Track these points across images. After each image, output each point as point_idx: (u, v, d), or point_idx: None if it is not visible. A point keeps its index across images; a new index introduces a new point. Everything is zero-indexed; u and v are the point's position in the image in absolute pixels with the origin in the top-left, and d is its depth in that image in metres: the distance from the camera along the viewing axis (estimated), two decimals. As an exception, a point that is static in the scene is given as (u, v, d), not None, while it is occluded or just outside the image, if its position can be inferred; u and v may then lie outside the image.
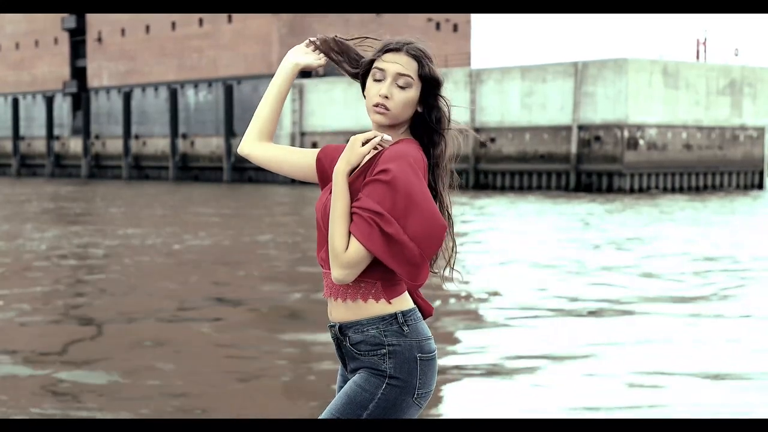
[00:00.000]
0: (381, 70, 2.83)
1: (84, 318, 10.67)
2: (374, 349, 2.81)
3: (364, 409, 2.79)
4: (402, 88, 2.81)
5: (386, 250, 2.70)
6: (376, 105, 2.82)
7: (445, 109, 2.87)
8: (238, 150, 3.10)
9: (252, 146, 3.06)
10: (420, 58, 2.82)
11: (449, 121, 2.88)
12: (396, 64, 2.81)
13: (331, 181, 2.99)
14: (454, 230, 2.95)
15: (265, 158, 3.05)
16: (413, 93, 2.82)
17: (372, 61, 2.88)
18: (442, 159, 2.87)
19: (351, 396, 2.81)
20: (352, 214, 2.75)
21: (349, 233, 2.73)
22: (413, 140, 2.87)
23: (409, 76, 2.80)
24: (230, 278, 13.99)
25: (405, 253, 2.71)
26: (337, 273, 2.74)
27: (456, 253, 2.95)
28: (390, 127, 2.86)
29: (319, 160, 3.01)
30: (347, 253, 2.72)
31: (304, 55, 3.05)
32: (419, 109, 2.85)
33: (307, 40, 3.03)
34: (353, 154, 2.78)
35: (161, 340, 9.24)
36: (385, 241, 2.70)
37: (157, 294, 12.39)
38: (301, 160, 3.04)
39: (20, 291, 12.44)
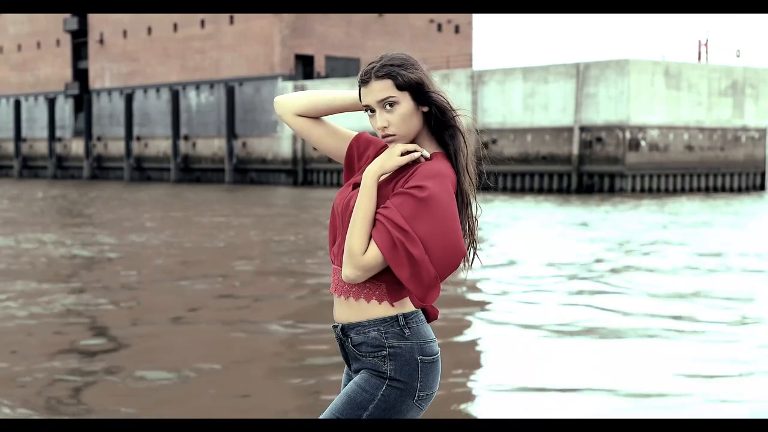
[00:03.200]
0: (367, 106, 2.85)
1: (90, 317, 10.68)
2: (375, 351, 2.83)
3: (364, 410, 2.81)
4: (391, 108, 2.81)
5: (404, 266, 2.72)
6: (384, 137, 2.85)
7: (442, 100, 2.85)
8: (275, 104, 3.07)
9: (290, 114, 3.05)
10: (389, 73, 2.80)
11: (453, 109, 2.86)
12: (372, 94, 2.82)
13: (354, 170, 3.01)
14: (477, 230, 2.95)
15: (301, 130, 3.07)
16: (405, 105, 2.82)
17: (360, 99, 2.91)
18: (462, 153, 2.86)
19: (351, 396, 2.83)
20: (375, 219, 2.76)
21: (370, 237, 2.75)
22: (444, 155, 2.87)
23: (388, 96, 2.80)
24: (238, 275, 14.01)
25: (422, 274, 2.72)
26: (350, 272, 2.75)
27: (476, 248, 2.95)
28: (412, 141, 2.88)
29: (350, 147, 3.04)
30: (365, 256, 2.74)
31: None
32: (424, 110, 2.85)
33: None
34: (390, 160, 2.80)
35: (169, 339, 9.25)
36: (406, 257, 2.71)
37: (164, 292, 12.41)
38: (334, 144, 3.07)
39: (23, 290, 12.46)
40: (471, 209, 2.92)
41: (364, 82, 2.84)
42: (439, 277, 2.74)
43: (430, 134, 2.89)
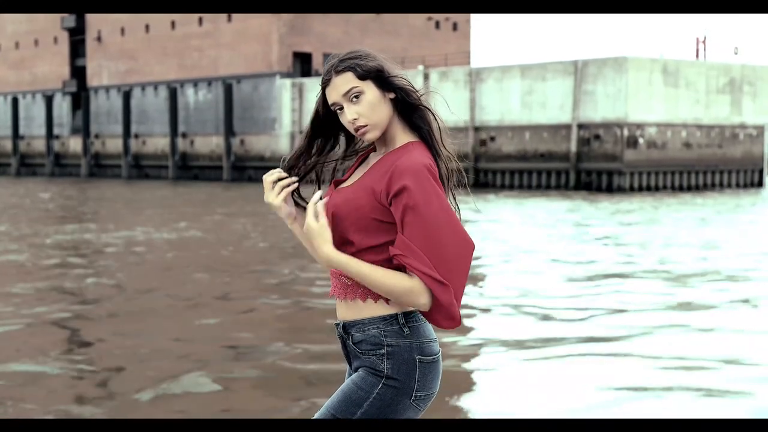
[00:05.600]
0: (335, 103, 2.84)
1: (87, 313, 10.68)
2: (374, 349, 2.81)
3: (359, 408, 2.79)
4: (357, 99, 2.80)
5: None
6: (356, 130, 2.82)
7: (404, 82, 2.84)
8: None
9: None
10: (348, 67, 2.80)
11: (416, 90, 2.85)
12: (336, 90, 2.81)
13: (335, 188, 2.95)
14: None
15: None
16: (371, 93, 2.80)
17: (326, 103, 2.89)
18: (435, 130, 2.84)
19: (347, 394, 2.82)
20: (395, 258, 2.74)
21: (397, 266, 2.75)
22: (417, 142, 2.84)
23: (352, 87, 2.79)
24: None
25: (443, 308, 2.76)
26: (424, 303, 2.74)
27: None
28: (386, 133, 2.86)
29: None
30: (414, 286, 2.73)
31: (278, 202, 2.93)
32: (390, 97, 2.83)
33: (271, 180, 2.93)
34: (318, 231, 2.75)
35: (166, 332, 9.25)
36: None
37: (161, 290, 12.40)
38: None
39: (20, 288, 12.45)
40: (452, 187, 2.90)
41: (326, 82, 2.83)
42: (457, 293, 2.75)
43: (402, 122, 2.86)
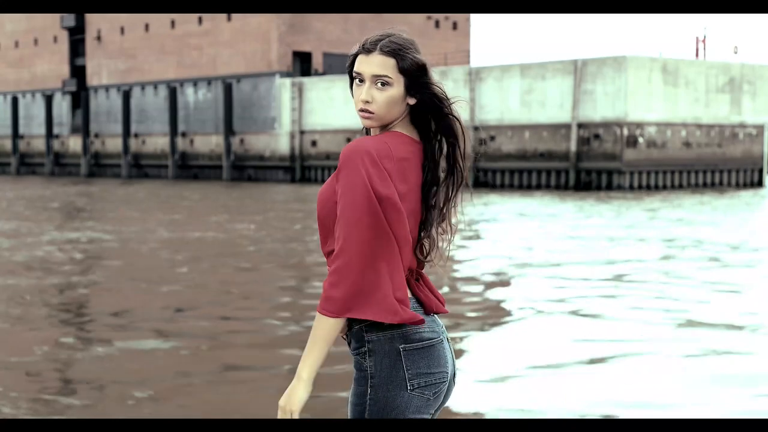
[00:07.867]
0: (359, 73, 2.76)
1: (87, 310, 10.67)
2: (358, 347, 2.71)
3: None
4: (383, 87, 2.72)
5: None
6: (361, 110, 2.75)
7: (439, 90, 2.77)
8: None
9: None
10: (396, 52, 2.72)
11: (447, 100, 2.78)
12: (371, 65, 2.73)
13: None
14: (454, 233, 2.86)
15: None
16: (395, 90, 2.72)
17: (354, 61, 2.79)
18: (459, 146, 2.76)
19: (352, 413, 2.72)
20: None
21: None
22: (390, 132, 2.76)
23: (385, 75, 2.72)
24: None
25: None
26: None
27: (450, 243, 2.83)
28: (383, 126, 2.79)
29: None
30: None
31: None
32: (410, 102, 2.76)
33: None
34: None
35: (164, 330, 9.25)
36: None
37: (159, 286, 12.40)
38: None
39: (17, 285, 12.46)
40: (457, 200, 2.80)
41: (366, 50, 2.74)
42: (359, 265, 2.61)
43: (410, 125, 2.79)
